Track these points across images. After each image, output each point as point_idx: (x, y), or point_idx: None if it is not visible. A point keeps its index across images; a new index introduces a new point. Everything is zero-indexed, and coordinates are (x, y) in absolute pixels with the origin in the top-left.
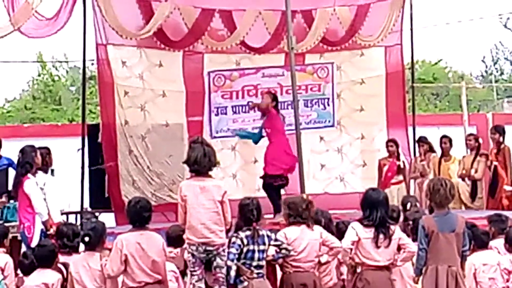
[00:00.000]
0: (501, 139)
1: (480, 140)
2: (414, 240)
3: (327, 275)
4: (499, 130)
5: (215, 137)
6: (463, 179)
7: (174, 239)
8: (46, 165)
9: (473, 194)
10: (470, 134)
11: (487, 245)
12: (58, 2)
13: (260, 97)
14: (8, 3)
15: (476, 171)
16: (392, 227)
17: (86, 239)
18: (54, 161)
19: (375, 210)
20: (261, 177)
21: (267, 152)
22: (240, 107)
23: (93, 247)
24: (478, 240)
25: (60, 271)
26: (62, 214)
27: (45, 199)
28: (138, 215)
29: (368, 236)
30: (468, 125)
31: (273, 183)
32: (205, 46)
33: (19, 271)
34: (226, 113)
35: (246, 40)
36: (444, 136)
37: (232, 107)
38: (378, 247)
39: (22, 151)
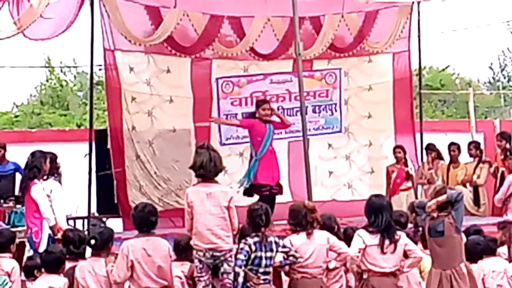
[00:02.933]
0: (507, 145)
1: (482, 147)
2: (425, 247)
3: (337, 282)
4: (505, 136)
5: (224, 144)
6: (465, 185)
7: (183, 248)
8: (51, 172)
9: (476, 201)
10: (471, 143)
11: (495, 251)
12: (63, 5)
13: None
14: (13, 7)
15: (478, 177)
16: (398, 232)
17: (92, 241)
18: (61, 166)
19: (380, 216)
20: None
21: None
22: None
23: (99, 252)
24: (487, 247)
25: (68, 276)
26: (69, 219)
27: (51, 206)
28: (145, 220)
29: (374, 242)
30: (476, 131)
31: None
32: (214, 52)
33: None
34: None
35: (255, 46)
36: (452, 144)
37: (242, 113)
38: (384, 253)
39: (32, 154)
